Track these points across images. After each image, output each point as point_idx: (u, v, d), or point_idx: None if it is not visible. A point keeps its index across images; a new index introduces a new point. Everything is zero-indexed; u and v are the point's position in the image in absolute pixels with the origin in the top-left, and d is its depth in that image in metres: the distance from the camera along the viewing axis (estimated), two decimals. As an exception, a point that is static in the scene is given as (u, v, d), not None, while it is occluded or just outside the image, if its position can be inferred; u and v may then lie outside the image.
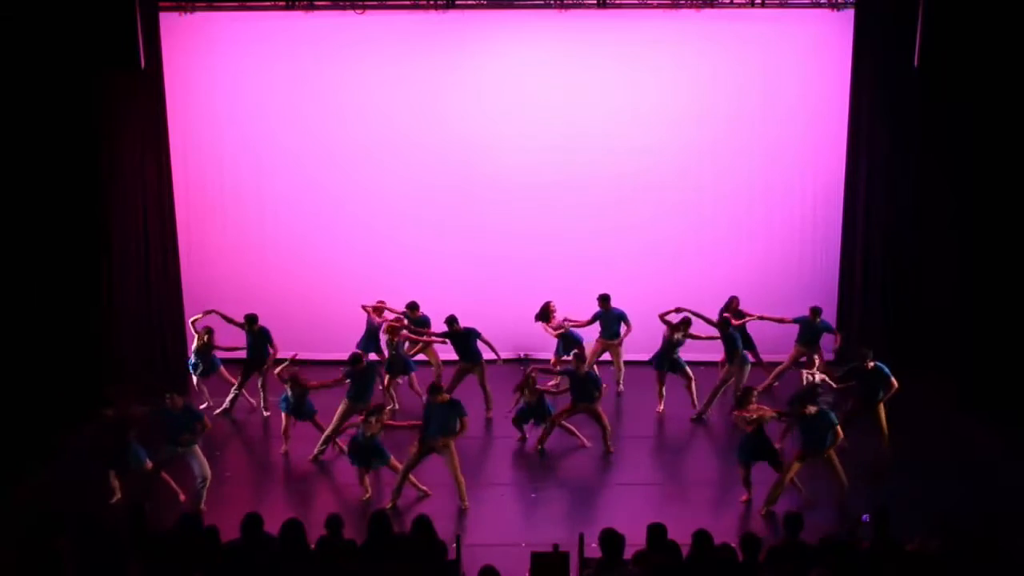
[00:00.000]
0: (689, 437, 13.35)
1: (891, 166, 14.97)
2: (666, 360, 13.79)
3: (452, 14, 14.98)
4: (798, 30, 15.05)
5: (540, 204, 15.45)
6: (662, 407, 13.85)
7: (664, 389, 13.90)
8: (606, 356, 14.69)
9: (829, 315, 15.48)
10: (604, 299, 14.42)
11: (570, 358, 13.27)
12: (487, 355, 13.84)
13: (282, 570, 8.23)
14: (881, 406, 12.16)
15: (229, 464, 12.60)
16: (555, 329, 14.33)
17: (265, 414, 13.88)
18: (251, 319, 13.90)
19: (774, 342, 14.96)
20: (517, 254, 15.56)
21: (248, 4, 15.08)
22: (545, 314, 14.38)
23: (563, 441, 12.81)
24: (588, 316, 14.54)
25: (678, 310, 13.83)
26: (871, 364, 12.20)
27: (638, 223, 15.49)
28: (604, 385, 12.73)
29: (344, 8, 14.93)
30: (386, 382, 13.78)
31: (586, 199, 15.44)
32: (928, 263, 15.04)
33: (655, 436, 13.34)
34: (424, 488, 11.35)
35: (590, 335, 14.59)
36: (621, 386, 14.49)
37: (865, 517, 8.76)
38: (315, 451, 12.36)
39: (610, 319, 14.42)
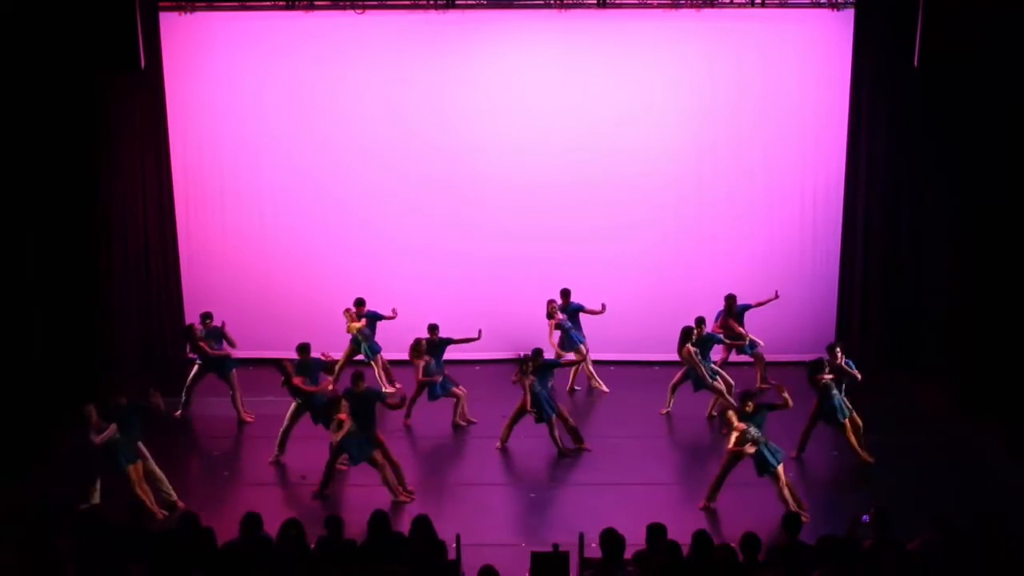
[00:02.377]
0: (690, 437, 13.35)
1: (891, 166, 14.98)
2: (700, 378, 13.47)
3: (452, 14, 14.98)
4: (798, 30, 15.04)
5: (540, 203, 15.44)
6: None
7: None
8: (606, 356, 14.71)
9: (829, 314, 15.54)
10: (565, 293, 14.54)
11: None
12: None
13: (282, 570, 8.23)
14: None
15: (227, 464, 12.59)
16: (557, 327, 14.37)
17: (249, 419, 13.71)
18: (205, 316, 13.90)
19: (774, 342, 15.03)
20: (517, 253, 15.54)
21: (248, 4, 15.08)
22: (551, 312, 14.40)
23: (565, 443, 12.85)
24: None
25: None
26: (841, 359, 12.28)
27: (638, 222, 15.48)
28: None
29: (344, 8, 14.93)
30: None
31: (586, 198, 15.43)
32: (928, 263, 15.04)
33: (655, 436, 13.33)
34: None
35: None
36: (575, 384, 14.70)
37: (865, 517, 8.75)
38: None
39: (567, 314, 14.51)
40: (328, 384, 12.58)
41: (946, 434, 13.05)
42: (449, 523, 9.43)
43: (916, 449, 12.56)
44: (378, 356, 14.53)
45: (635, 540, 8.30)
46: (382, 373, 14.50)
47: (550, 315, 14.38)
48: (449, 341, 13.63)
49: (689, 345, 13.26)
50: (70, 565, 8.17)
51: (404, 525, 8.83)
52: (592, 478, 11.97)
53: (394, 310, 14.40)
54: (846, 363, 12.27)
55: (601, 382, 14.65)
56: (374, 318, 14.51)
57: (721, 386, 13.40)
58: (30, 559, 8.14)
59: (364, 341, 14.45)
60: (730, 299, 14.37)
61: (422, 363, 13.35)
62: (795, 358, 15.15)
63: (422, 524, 8.68)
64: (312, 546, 8.60)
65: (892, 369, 15.13)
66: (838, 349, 12.39)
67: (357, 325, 14.37)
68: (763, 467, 10.82)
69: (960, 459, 12.29)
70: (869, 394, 14.34)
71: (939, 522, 8.55)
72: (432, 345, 13.54)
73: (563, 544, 8.81)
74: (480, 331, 13.75)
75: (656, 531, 8.40)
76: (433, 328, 13.71)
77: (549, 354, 13.69)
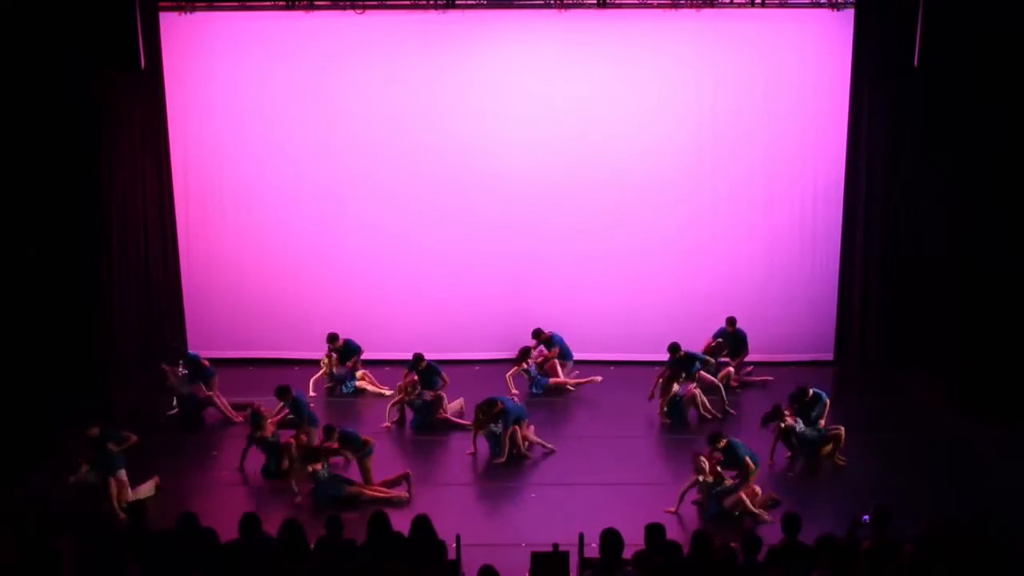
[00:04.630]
0: (689, 437, 13.34)
1: (891, 166, 14.97)
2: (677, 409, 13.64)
3: (452, 14, 14.97)
4: (798, 30, 15.03)
5: (540, 203, 15.42)
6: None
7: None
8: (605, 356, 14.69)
9: (829, 314, 15.53)
10: (536, 333, 14.74)
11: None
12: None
13: (282, 570, 8.24)
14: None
15: (227, 464, 12.59)
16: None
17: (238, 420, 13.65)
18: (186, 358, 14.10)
19: (774, 342, 15.06)
20: (517, 253, 15.53)
21: (248, 4, 15.07)
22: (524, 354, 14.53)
23: (564, 442, 12.87)
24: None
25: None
26: (811, 391, 12.52)
27: (638, 222, 15.47)
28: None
29: (344, 8, 14.92)
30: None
31: (585, 199, 15.41)
32: (928, 263, 15.03)
33: (655, 436, 13.34)
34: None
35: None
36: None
37: (865, 517, 8.77)
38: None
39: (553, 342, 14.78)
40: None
41: (946, 434, 13.05)
42: (449, 523, 9.43)
43: (916, 449, 12.57)
44: (357, 380, 14.63)
45: (634, 540, 8.30)
46: (376, 387, 14.58)
47: (523, 359, 14.43)
48: (437, 372, 13.74)
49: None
50: (70, 565, 8.17)
51: (404, 525, 8.83)
52: (592, 478, 11.96)
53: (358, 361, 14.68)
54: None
55: (591, 378, 14.66)
56: (354, 351, 14.65)
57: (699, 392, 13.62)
58: (30, 559, 8.14)
59: (340, 383, 14.57)
60: (731, 321, 14.67)
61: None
62: (795, 358, 15.26)
63: (422, 524, 8.69)
64: (312, 546, 8.61)
65: (892, 369, 15.14)
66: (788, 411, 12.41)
67: (324, 371, 14.57)
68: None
69: (960, 459, 12.29)
70: (869, 394, 14.43)
71: (936, 521, 8.56)
72: (421, 373, 13.65)
73: (563, 544, 8.81)
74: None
75: (655, 531, 8.40)
76: (418, 358, 13.73)
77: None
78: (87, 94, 13.96)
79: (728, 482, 11.04)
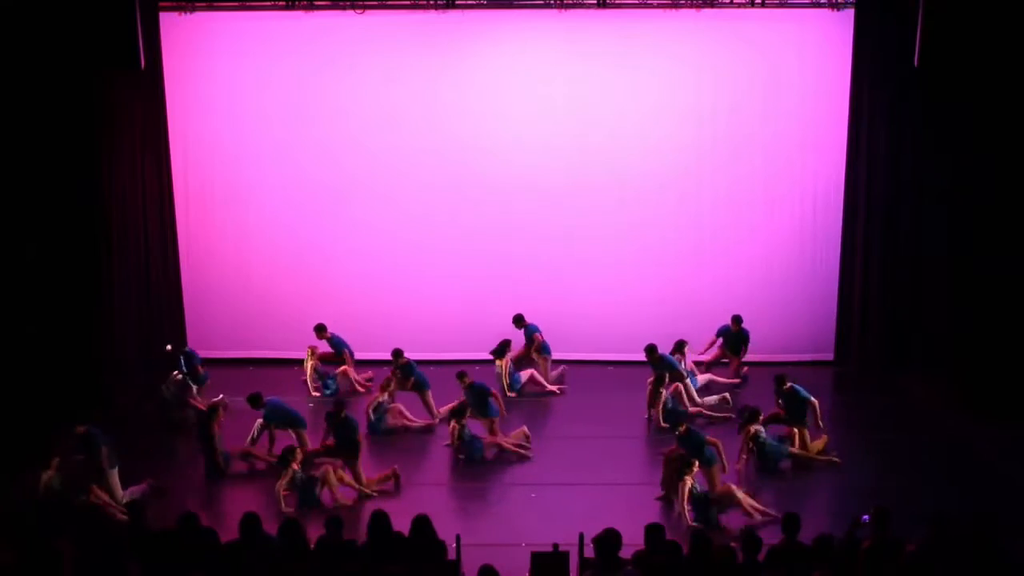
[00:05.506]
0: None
1: (891, 166, 14.96)
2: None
3: (452, 14, 14.96)
4: (798, 30, 15.03)
5: (539, 204, 15.42)
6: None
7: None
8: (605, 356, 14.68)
9: (829, 314, 15.52)
10: (518, 319, 14.80)
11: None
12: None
13: (282, 570, 8.24)
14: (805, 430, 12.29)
15: (227, 464, 12.56)
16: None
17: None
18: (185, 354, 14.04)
19: (774, 342, 15.06)
20: (517, 253, 15.52)
21: (248, 4, 15.07)
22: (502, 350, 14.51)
23: (564, 443, 12.87)
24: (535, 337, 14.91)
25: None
26: (788, 386, 12.43)
27: (638, 222, 15.46)
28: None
29: (344, 8, 14.92)
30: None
31: (585, 199, 15.40)
32: (927, 263, 15.04)
33: (654, 436, 13.32)
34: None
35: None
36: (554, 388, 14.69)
37: (865, 517, 8.76)
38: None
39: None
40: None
41: (946, 434, 13.06)
42: (449, 523, 9.43)
43: (916, 449, 12.57)
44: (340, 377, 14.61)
45: (634, 540, 8.29)
46: (359, 386, 14.61)
47: (500, 354, 14.41)
48: (413, 370, 13.77)
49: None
50: (70, 565, 8.17)
51: (404, 525, 8.83)
52: (592, 478, 11.96)
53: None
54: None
55: (555, 387, 14.69)
56: (339, 346, 14.67)
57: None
58: (30, 559, 8.14)
59: (322, 379, 14.58)
60: (736, 319, 14.67)
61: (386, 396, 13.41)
62: (795, 358, 15.21)
63: (422, 524, 8.69)
64: (312, 546, 8.61)
65: (892, 369, 15.14)
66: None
67: (311, 363, 14.59)
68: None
69: (960, 459, 12.30)
70: (869, 394, 14.43)
71: (938, 522, 8.56)
72: (401, 369, 13.73)
73: (563, 544, 8.82)
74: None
75: (654, 531, 8.40)
76: (397, 353, 13.84)
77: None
78: (87, 94, 13.97)
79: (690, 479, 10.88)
